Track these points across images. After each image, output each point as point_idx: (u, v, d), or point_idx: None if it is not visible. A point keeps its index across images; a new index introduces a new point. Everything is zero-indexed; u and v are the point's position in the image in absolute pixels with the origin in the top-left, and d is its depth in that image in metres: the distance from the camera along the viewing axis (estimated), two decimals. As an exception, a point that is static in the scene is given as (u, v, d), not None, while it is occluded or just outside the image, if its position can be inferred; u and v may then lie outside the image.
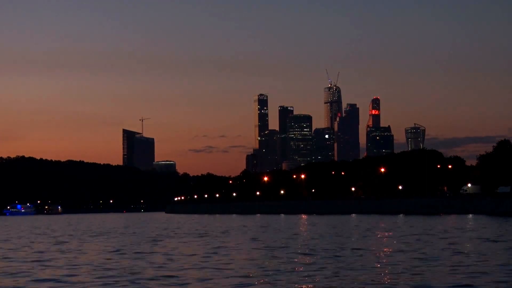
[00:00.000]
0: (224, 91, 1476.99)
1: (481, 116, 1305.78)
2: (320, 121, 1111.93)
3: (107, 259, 52.30)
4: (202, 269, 43.13)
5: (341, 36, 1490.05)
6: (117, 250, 62.13)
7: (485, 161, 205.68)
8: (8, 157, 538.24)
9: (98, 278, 39.01)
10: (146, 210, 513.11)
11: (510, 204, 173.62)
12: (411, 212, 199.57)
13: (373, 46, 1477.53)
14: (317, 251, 56.06)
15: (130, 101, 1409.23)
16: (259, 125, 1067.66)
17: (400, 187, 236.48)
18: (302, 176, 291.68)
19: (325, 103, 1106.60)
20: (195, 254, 55.31)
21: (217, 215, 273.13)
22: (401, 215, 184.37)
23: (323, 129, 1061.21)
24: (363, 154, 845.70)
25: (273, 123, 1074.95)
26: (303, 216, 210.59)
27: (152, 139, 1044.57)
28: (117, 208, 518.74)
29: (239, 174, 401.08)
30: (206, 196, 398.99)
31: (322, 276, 37.77)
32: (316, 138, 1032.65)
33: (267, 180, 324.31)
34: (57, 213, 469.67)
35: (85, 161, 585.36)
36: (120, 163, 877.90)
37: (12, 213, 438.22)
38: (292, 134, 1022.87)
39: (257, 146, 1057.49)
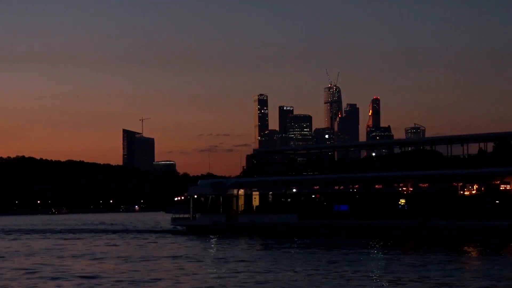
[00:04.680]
0: (223, 91, 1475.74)
1: (485, 116, 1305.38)
2: (320, 121, 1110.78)
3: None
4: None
5: (341, 36, 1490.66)
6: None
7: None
8: (8, 157, 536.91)
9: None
10: (146, 210, 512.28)
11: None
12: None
13: (373, 46, 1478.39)
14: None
15: (130, 101, 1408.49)
16: (259, 125, 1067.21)
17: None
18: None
19: (325, 103, 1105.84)
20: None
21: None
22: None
23: (323, 129, 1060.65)
24: (363, 154, 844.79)
25: (273, 123, 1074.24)
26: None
27: (152, 139, 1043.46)
28: (116, 208, 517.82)
29: (239, 174, 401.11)
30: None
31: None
32: (316, 138, 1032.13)
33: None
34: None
35: (85, 161, 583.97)
36: (120, 163, 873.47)
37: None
38: (292, 134, 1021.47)
39: (257, 146, 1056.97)
